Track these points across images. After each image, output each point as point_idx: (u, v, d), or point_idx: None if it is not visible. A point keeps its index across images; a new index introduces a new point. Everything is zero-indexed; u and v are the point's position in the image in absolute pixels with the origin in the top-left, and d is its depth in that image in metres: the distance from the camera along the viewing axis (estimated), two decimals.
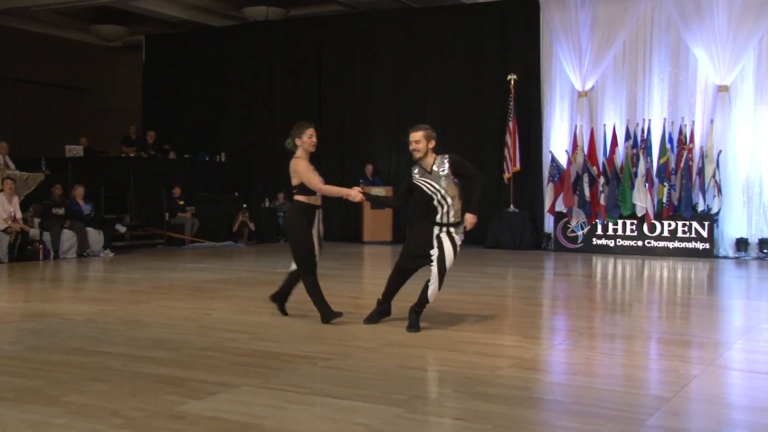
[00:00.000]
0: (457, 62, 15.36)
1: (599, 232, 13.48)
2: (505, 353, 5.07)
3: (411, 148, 5.85)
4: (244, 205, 15.51)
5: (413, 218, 6.05)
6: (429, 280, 5.80)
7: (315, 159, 19.91)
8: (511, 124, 14.25)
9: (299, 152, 6.16)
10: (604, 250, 13.33)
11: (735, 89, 12.86)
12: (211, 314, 6.62)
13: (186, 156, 16.56)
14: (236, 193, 16.42)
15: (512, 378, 4.41)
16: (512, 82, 14.28)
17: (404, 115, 16.00)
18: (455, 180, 5.78)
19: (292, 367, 4.63)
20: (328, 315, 6.12)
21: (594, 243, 13.51)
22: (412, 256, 5.90)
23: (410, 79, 15.93)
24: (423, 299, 5.87)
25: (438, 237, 5.77)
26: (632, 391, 4.19)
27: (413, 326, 5.84)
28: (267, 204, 16.24)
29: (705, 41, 12.87)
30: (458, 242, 5.81)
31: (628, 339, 5.72)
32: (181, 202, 14.79)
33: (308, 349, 5.17)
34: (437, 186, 5.73)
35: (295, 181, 6.12)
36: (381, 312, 6.16)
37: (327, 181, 19.98)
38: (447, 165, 5.73)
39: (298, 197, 6.17)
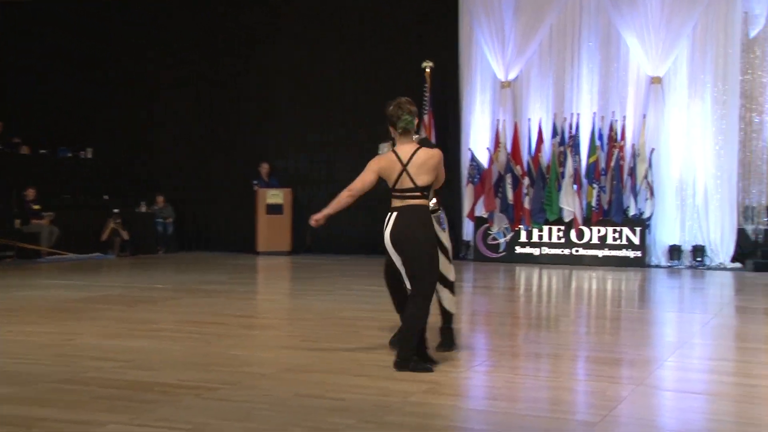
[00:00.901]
0: (366, 48, 15.47)
1: (523, 239, 13.87)
2: (419, 377, 5.15)
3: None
4: (116, 210, 15.12)
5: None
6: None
7: (200, 156, 19.39)
8: (426, 117, 14.45)
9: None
10: (529, 260, 13.73)
11: (668, 81, 13.52)
12: (73, 340, 6.41)
13: (42, 151, 15.98)
14: (105, 196, 15.97)
15: (426, 405, 4.48)
16: (427, 70, 14.49)
17: (305, 108, 15.99)
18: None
19: (171, 399, 4.55)
20: (414, 363, 5.31)
21: (517, 251, 13.89)
22: None
23: (313, 66, 15.92)
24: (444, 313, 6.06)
25: None
26: (557, 417, 4.34)
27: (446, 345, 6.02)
28: (143, 208, 15.90)
29: (637, 28, 13.48)
30: (439, 231, 5.69)
31: (554, 358, 5.91)
32: (37, 207, 14.27)
33: (191, 377, 5.09)
34: None
35: (428, 179, 5.30)
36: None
37: (210, 183, 19.49)
38: None
39: (422, 201, 5.31)
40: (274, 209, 15.31)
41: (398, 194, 5.33)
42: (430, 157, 5.30)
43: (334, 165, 15.57)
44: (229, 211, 16.34)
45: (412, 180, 5.27)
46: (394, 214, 5.33)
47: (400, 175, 5.29)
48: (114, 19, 17.00)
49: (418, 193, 5.29)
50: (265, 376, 5.15)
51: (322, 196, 15.68)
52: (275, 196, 15.36)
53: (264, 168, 15.69)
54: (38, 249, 14.07)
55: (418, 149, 5.32)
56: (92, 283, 10.54)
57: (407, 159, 5.29)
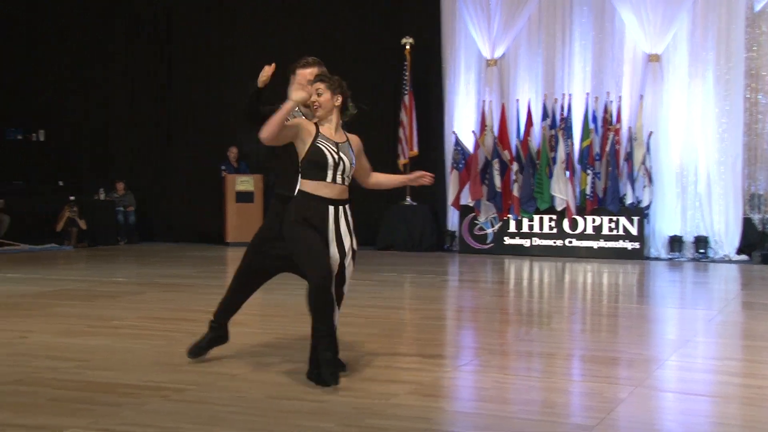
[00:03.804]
0: (340, 23, 15.38)
1: (512, 229, 13.90)
2: (401, 377, 5.15)
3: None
4: (72, 198, 15.01)
5: None
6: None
7: (162, 140, 19.24)
8: (406, 98, 14.45)
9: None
10: (518, 251, 13.76)
11: (667, 59, 13.55)
12: (26, 338, 6.36)
13: None
14: (60, 182, 15.85)
15: (409, 407, 4.48)
16: (408, 47, 14.46)
17: (277, 86, 15.83)
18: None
19: (135, 401, 4.52)
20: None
21: (506, 243, 13.92)
22: None
23: (284, 41, 15.81)
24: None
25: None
26: (551, 420, 4.35)
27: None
28: (102, 196, 15.78)
29: (633, 1, 13.48)
30: None
31: (547, 357, 5.93)
32: None
33: (157, 378, 5.06)
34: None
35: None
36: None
37: (175, 169, 19.35)
38: None
39: None
40: (244, 197, 15.23)
41: None
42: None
43: None
44: (195, 198, 16.24)
45: None
46: None
47: None
48: None
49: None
50: (236, 377, 5.13)
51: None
52: (245, 182, 15.28)
53: (232, 152, 15.60)
54: None
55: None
56: (46, 277, 10.46)
57: None
